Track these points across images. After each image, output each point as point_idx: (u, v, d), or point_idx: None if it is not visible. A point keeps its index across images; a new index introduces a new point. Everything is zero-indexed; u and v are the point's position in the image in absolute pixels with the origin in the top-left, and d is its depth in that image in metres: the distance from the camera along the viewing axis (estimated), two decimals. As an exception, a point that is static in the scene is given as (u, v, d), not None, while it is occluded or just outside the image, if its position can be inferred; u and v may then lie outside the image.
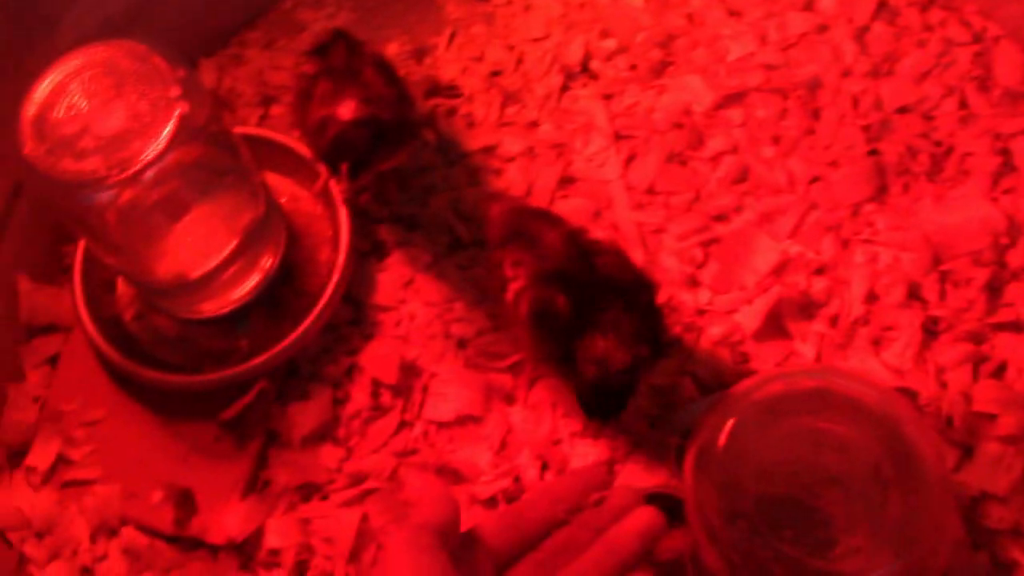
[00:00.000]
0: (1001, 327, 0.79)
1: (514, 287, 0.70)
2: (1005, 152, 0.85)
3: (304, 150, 0.87)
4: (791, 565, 0.51)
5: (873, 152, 0.86)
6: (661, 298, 0.83)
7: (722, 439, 0.54)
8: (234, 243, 0.80)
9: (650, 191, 0.88)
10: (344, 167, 0.74)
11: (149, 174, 0.72)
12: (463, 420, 0.82)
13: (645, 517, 0.65)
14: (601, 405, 0.67)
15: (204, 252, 0.80)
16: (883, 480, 0.52)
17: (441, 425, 0.82)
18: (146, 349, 0.85)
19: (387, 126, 0.75)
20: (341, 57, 0.79)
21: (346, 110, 0.73)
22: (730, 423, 0.54)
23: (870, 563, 0.51)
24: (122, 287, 0.88)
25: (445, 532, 0.60)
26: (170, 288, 0.81)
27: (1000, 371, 0.78)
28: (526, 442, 0.80)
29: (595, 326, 0.67)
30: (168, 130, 0.70)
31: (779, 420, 0.54)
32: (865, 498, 0.52)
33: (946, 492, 0.52)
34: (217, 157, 0.79)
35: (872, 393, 0.54)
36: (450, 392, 0.82)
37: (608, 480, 0.69)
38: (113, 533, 0.81)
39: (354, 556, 0.78)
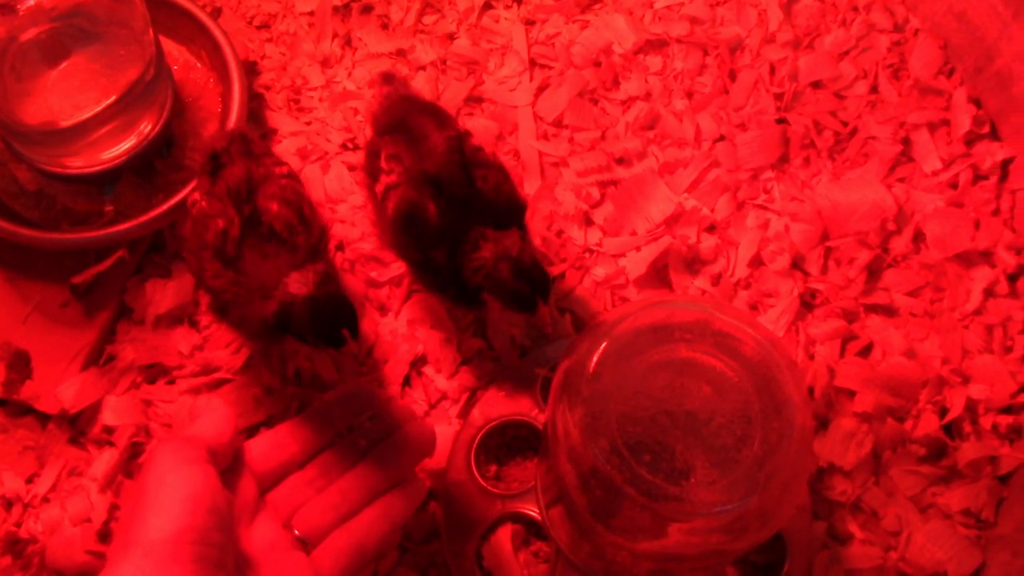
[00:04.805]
0: (874, 308, 0.80)
1: (386, 181, 0.67)
2: (906, 141, 0.85)
3: (205, 17, 0.82)
4: (644, 488, 0.50)
5: (781, 121, 0.86)
6: (552, 229, 0.82)
7: (594, 359, 0.53)
8: (112, 98, 0.74)
9: (557, 124, 0.86)
10: None
11: (23, 7, 0.70)
12: (330, 323, 0.79)
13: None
14: (529, 292, 0.65)
15: (77, 102, 0.74)
16: (749, 419, 0.52)
17: (306, 324, 0.79)
18: (1, 200, 0.79)
19: None
20: None
21: None
22: (604, 344, 0.53)
23: (723, 496, 0.50)
24: (-17, 133, 0.82)
25: (215, 450, 0.58)
26: (37, 134, 0.75)
27: (866, 351, 0.79)
28: (391, 355, 0.77)
29: (472, 239, 0.65)
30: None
31: (654, 347, 0.53)
32: (728, 433, 0.52)
33: (807, 443, 0.52)
34: (100, 6, 0.75)
35: (752, 334, 0.53)
36: (321, 293, 0.79)
37: (377, 400, 0.66)
38: (-67, 387, 0.76)
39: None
